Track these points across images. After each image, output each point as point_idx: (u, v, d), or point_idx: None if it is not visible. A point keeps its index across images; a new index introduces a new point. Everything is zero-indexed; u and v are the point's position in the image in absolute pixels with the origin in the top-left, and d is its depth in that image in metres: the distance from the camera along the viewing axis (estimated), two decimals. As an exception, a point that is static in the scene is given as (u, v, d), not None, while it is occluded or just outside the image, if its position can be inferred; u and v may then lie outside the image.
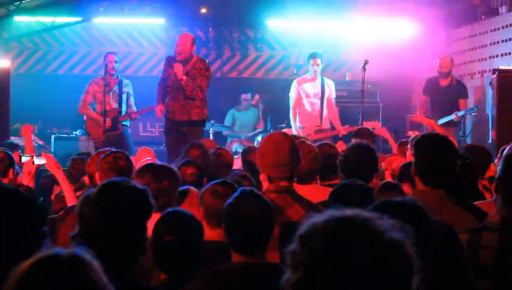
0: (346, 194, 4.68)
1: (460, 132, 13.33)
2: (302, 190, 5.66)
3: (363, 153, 5.78)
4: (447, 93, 12.70)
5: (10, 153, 7.29)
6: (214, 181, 4.75)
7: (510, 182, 3.83)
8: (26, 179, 6.87)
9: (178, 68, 10.60)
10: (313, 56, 12.35)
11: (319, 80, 12.38)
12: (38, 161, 6.85)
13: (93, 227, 3.35)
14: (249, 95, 14.93)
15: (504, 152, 3.98)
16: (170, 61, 10.93)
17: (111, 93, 12.19)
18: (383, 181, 6.01)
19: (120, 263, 3.36)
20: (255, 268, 3.70)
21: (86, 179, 6.50)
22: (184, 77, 10.58)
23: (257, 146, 10.96)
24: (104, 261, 3.25)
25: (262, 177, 5.31)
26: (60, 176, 6.70)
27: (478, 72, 13.88)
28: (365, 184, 4.82)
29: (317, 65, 12.25)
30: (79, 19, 15.29)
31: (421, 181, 4.65)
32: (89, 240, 3.33)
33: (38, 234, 3.13)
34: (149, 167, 5.16)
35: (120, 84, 12.32)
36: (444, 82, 12.75)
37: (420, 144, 4.74)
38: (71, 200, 6.42)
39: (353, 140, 7.41)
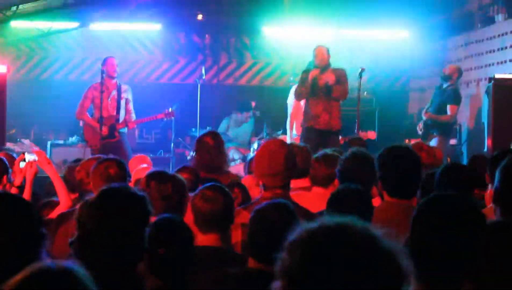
0: (343, 200, 4.67)
1: (456, 140, 13.34)
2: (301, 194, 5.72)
3: (360, 161, 5.76)
4: (439, 96, 12.72)
5: (5, 159, 7.25)
6: (203, 186, 4.73)
7: (507, 193, 3.84)
8: (18, 179, 6.81)
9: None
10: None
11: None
12: (29, 157, 6.79)
13: (92, 233, 3.35)
14: (250, 113, 14.92)
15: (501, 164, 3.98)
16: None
17: (109, 99, 12.16)
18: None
19: (118, 269, 3.36)
20: (271, 277, 3.69)
21: None
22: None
23: (253, 153, 11.09)
24: (102, 267, 3.29)
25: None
26: (50, 171, 6.62)
27: (474, 80, 13.89)
28: (360, 188, 4.82)
29: None
30: (76, 24, 15.30)
31: (386, 192, 4.73)
32: (87, 246, 3.33)
33: (36, 237, 3.13)
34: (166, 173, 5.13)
35: (118, 89, 12.28)
36: (444, 85, 12.74)
37: (382, 157, 4.81)
38: (63, 196, 6.39)
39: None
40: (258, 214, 3.90)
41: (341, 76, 11.14)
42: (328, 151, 6.62)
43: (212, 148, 7.15)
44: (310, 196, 5.99)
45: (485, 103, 12.72)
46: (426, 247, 2.93)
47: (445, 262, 2.90)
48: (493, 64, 13.29)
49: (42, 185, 7.97)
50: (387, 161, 4.82)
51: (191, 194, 4.88)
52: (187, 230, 4.19)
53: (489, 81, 11.96)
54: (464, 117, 13.84)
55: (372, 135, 12.20)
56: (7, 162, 7.06)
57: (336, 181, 5.97)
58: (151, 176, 5.02)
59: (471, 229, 2.96)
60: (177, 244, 4.03)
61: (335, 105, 11.19)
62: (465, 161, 11.96)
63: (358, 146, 7.73)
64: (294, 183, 5.64)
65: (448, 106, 12.44)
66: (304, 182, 6.27)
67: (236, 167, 12.40)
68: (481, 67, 13.72)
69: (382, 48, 15.55)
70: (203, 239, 4.53)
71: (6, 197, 3.30)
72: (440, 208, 3.04)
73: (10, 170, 6.96)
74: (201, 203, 4.53)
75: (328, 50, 11.36)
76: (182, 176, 6.16)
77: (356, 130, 11.72)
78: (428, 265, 2.87)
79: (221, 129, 14.78)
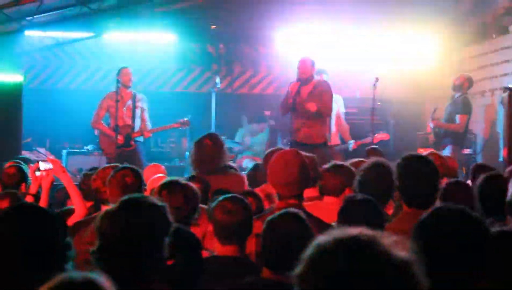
0: (353, 210, 4.67)
1: (470, 150, 13.31)
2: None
3: (380, 172, 5.73)
4: (450, 105, 12.74)
5: (23, 167, 7.30)
6: (223, 197, 4.74)
7: None
8: (33, 188, 6.85)
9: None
10: (319, 72, 12.37)
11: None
12: (44, 166, 6.83)
13: (113, 243, 3.35)
14: (266, 124, 14.94)
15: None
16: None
17: (124, 108, 12.19)
18: None
19: (138, 279, 3.36)
20: (284, 286, 3.71)
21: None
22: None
23: (266, 162, 11.10)
24: (122, 277, 3.29)
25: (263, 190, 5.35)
26: (66, 180, 6.64)
27: (489, 90, 13.86)
28: (369, 198, 4.83)
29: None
30: (90, 34, 15.37)
31: (404, 203, 4.73)
32: (107, 255, 3.34)
33: (61, 247, 3.15)
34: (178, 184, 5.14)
35: (133, 98, 12.32)
36: (455, 96, 12.74)
37: (400, 167, 4.80)
38: (78, 205, 6.41)
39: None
40: (270, 225, 3.92)
41: (322, 94, 11.09)
42: (338, 162, 6.66)
43: (211, 148, 7.26)
44: (322, 206, 6.00)
45: (500, 113, 12.69)
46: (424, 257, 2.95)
47: (443, 273, 2.91)
48: (507, 74, 13.25)
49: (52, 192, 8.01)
50: (405, 171, 4.81)
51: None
52: (194, 238, 4.20)
53: (504, 91, 11.93)
54: (479, 127, 13.81)
55: (385, 136, 12.19)
56: (25, 171, 7.11)
57: (347, 190, 5.98)
58: (163, 186, 5.04)
59: (471, 241, 2.97)
60: (184, 253, 4.04)
61: (317, 119, 11.14)
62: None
63: (377, 157, 7.72)
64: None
65: (457, 116, 12.45)
66: (313, 191, 6.29)
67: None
68: (496, 77, 13.69)
69: (397, 58, 15.53)
70: (223, 250, 4.56)
71: (31, 208, 3.33)
72: (438, 222, 3.06)
73: (28, 179, 7.01)
74: (221, 215, 4.54)
75: (312, 63, 11.31)
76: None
77: (371, 139, 11.70)
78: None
79: (237, 138, 14.80)
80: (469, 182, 7.14)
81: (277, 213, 4.02)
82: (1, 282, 3.08)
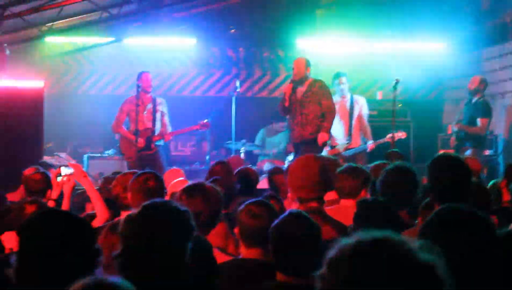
0: (368, 213, 4.67)
1: (492, 151, 13.25)
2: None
3: (403, 174, 5.71)
4: (470, 109, 12.64)
5: (48, 174, 7.33)
6: (249, 201, 4.74)
7: None
8: (55, 193, 6.87)
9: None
10: (337, 76, 12.40)
11: (347, 98, 12.40)
12: (65, 171, 6.84)
13: (135, 247, 3.35)
14: (285, 123, 14.95)
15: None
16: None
17: (145, 112, 12.23)
18: None
19: (160, 284, 3.36)
20: (298, 289, 3.71)
21: None
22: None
23: (287, 166, 11.14)
24: (143, 281, 3.30)
25: (291, 197, 5.36)
26: (87, 185, 6.65)
27: (510, 91, 13.80)
28: (381, 200, 4.80)
29: (343, 83, 12.28)
30: (110, 39, 15.43)
31: (436, 203, 4.71)
32: (130, 260, 3.34)
33: (90, 253, 3.17)
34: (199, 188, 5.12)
35: (154, 102, 12.35)
36: (473, 99, 12.65)
37: (433, 167, 4.79)
38: (100, 209, 6.42)
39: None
40: (275, 227, 3.92)
41: (320, 94, 11.10)
42: (353, 164, 6.65)
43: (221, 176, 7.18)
44: (341, 209, 6.00)
45: (521, 114, 12.65)
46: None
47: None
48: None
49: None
50: (438, 171, 4.80)
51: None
52: (205, 243, 4.19)
53: (525, 92, 11.89)
54: (500, 128, 13.74)
55: (403, 135, 12.13)
56: (50, 178, 7.13)
57: (363, 192, 5.98)
58: (184, 191, 5.04)
59: (477, 240, 2.98)
60: (196, 257, 4.04)
61: (310, 117, 11.14)
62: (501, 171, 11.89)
63: (397, 159, 7.70)
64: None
65: (478, 119, 12.35)
66: (333, 194, 6.29)
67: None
68: (517, 77, 13.64)
69: (417, 60, 15.49)
70: (247, 253, 4.56)
71: (59, 214, 3.35)
72: (446, 220, 3.07)
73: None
74: (247, 219, 4.55)
75: (307, 63, 11.30)
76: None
77: (391, 144, 11.64)
78: None
79: (257, 141, 14.78)
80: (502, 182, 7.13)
81: (281, 215, 4.01)
82: (31, 287, 3.10)
